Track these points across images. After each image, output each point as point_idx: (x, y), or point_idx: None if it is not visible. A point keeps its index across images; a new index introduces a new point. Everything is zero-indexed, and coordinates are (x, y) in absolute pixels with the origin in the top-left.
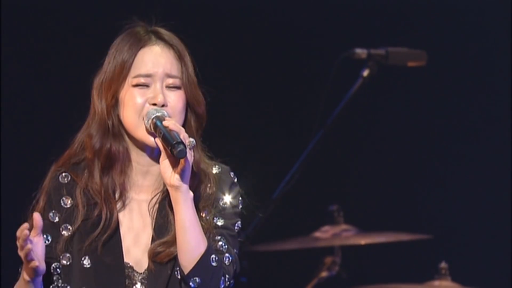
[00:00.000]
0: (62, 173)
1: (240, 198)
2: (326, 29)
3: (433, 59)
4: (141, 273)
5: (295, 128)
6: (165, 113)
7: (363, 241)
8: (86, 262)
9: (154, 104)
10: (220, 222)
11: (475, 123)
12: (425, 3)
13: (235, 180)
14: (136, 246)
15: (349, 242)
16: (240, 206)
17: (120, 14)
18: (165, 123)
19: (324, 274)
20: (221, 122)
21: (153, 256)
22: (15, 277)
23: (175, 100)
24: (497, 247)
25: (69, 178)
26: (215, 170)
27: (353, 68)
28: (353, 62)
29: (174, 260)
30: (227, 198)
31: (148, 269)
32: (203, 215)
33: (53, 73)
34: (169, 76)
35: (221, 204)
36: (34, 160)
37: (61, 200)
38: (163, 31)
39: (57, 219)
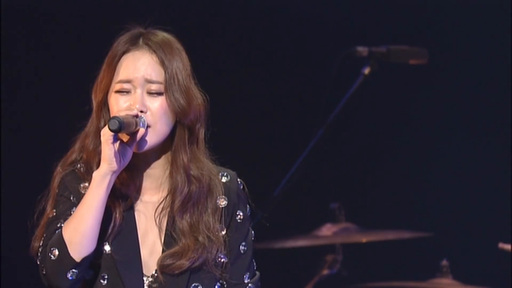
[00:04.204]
0: (74, 169)
1: (248, 206)
2: (327, 27)
3: (434, 57)
4: (148, 277)
5: (296, 126)
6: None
7: (364, 239)
8: (107, 248)
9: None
10: (243, 247)
11: (476, 121)
12: (426, 0)
13: (242, 187)
14: (143, 247)
15: (350, 240)
16: (249, 214)
17: (123, 14)
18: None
19: (325, 272)
20: (223, 120)
21: (162, 268)
22: (15, 277)
23: (156, 106)
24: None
25: (81, 172)
26: (224, 179)
27: (354, 66)
28: (354, 60)
29: (188, 273)
30: (241, 211)
31: (158, 280)
32: (215, 229)
33: (52, 74)
34: (149, 81)
35: (237, 220)
36: (34, 161)
37: (79, 186)
38: (154, 34)
39: (75, 201)
